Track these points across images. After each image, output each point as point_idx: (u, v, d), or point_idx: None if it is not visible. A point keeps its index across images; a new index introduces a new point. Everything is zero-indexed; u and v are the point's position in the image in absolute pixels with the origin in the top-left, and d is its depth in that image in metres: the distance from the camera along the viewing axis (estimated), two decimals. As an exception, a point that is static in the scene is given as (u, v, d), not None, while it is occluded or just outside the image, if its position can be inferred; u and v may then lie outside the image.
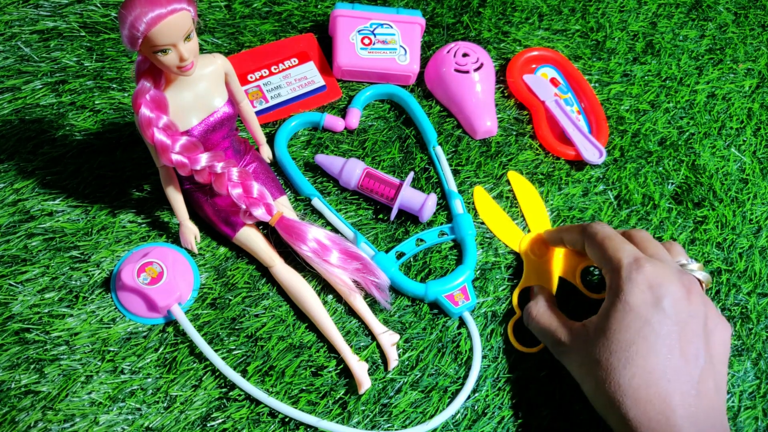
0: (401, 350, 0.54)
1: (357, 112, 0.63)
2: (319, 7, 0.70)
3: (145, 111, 0.46)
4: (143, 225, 0.56)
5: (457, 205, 0.60)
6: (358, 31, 0.65)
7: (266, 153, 0.60)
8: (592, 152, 0.64)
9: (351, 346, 0.53)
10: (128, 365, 0.51)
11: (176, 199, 0.52)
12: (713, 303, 0.51)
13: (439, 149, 0.63)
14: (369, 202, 0.60)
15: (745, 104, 0.72)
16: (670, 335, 0.46)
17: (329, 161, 0.60)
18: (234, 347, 0.52)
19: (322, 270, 0.53)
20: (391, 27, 0.66)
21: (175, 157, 0.48)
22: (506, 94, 0.68)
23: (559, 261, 0.59)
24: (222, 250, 0.56)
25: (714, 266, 0.62)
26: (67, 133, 0.59)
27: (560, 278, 0.58)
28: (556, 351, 0.51)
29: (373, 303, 0.55)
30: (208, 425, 0.50)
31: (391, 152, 0.63)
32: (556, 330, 0.51)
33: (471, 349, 0.54)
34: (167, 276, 0.51)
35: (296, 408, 0.50)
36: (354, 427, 0.51)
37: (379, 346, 0.54)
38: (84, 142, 0.59)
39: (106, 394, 0.49)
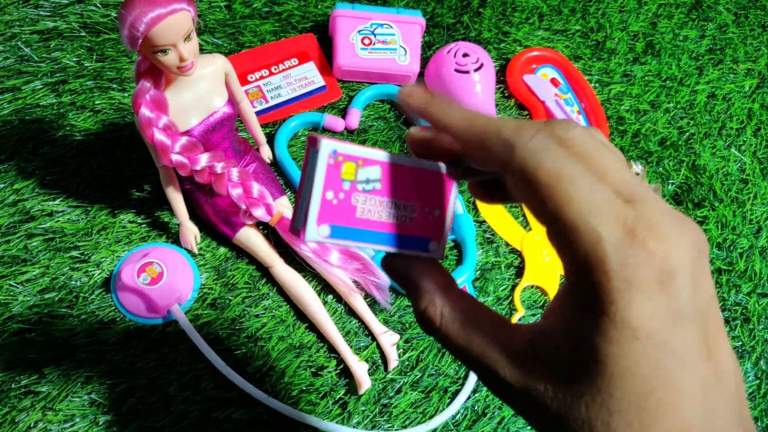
0: (401, 350, 0.54)
1: (357, 112, 0.63)
2: (319, 7, 0.70)
3: (145, 111, 0.46)
4: (143, 225, 0.56)
5: (458, 205, 0.60)
6: (359, 32, 0.65)
7: (266, 153, 0.60)
8: (593, 152, 0.64)
9: (351, 347, 0.53)
10: (128, 365, 0.51)
11: (176, 199, 0.52)
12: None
13: (439, 149, 0.63)
14: (369, 202, 0.60)
15: (746, 104, 0.72)
16: (699, 353, 0.21)
17: (329, 161, 0.60)
18: (234, 347, 0.52)
19: (322, 270, 0.53)
20: (392, 27, 0.66)
21: (175, 157, 0.48)
22: (506, 95, 0.68)
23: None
24: (222, 250, 0.56)
25: (714, 266, 0.62)
26: (67, 134, 0.59)
27: (562, 277, 0.59)
28: (495, 389, 0.25)
29: (373, 303, 0.55)
30: (208, 425, 0.49)
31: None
32: (484, 352, 0.24)
33: (471, 350, 0.54)
34: (167, 276, 0.51)
35: (296, 408, 0.50)
36: (354, 427, 0.51)
37: (379, 346, 0.54)
38: (84, 142, 0.59)
39: (106, 394, 0.49)
